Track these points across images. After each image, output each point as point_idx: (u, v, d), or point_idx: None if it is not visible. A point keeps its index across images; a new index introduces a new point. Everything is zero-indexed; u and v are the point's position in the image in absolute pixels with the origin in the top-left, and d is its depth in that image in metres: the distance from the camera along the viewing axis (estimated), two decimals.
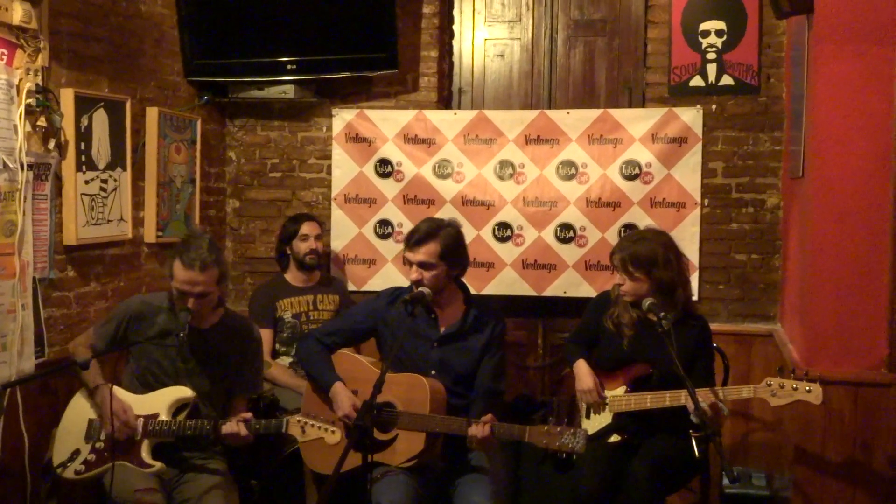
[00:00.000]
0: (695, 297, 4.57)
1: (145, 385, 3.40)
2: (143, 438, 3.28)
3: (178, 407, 3.35)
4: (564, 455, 2.96)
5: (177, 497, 3.30)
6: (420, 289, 3.34)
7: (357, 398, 3.36)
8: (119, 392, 3.35)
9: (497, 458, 3.40)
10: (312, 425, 3.19)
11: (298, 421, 3.20)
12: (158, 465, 3.26)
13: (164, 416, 3.31)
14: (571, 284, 4.86)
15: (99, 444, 3.32)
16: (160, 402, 3.34)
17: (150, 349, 3.40)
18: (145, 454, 3.27)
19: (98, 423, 3.35)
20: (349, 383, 3.44)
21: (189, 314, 3.31)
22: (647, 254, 3.47)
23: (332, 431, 3.17)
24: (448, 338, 3.45)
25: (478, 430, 3.10)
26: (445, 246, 3.38)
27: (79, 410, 3.41)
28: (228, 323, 3.55)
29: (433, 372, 3.40)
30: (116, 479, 3.16)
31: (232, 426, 3.24)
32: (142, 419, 3.30)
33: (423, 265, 3.36)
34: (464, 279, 3.61)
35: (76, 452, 3.32)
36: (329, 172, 5.17)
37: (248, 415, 3.33)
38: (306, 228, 4.65)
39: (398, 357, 3.41)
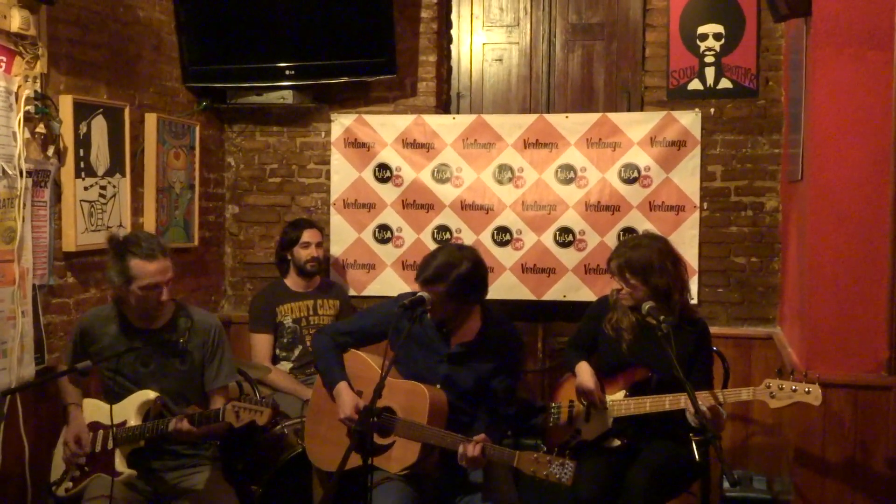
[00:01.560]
0: (694, 301, 4.58)
1: (112, 395, 3.37)
2: (115, 447, 3.26)
3: (147, 410, 3.32)
4: (551, 485, 2.94)
5: None
6: (420, 293, 3.31)
7: (361, 399, 3.36)
8: (93, 407, 3.35)
9: (503, 472, 3.37)
10: (245, 409, 3.17)
11: (233, 407, 3.19)
12: (128, 471, 3.23)
13: (133, 422, 3.28)
14: (571, 288, 4.86)
15: (81, 460, 3.31)
16: (128, 409, 3.31)
17: (109, 360, 3.35)
18: (118, 462, 3.25)
19: None
20: (355, 382, 3.42)
21: (190, 321, 3.30)
22: (642, 261, 3.47)
23: (260, 413, 3.17)
24: (457, 357, 3.39)
25: (468, 449, 3.09)
26: (452, 288, 3.27)
27: None
28: (181, 316, 3.48)
29: (438, 386, 3.37)
30: (91, 492, 3.16)
31: (175, 423, 3.19)
32: (113, 428, 3.27)
33: (430, 296, 3.30)
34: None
35: (66, 470, 3.33)
36: (328, 178, 5.17)
37: (192, 408, 3.29)
38: (307, 236, 4.64)
39: (406, 366, 3.40)
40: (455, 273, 3.26)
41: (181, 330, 3.41)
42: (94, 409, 3.38)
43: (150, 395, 3.32)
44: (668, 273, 3.48)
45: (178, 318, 3.44)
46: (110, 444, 3.27)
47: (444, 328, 3.43)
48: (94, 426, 3.33)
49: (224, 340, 3.54)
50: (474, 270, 3.32)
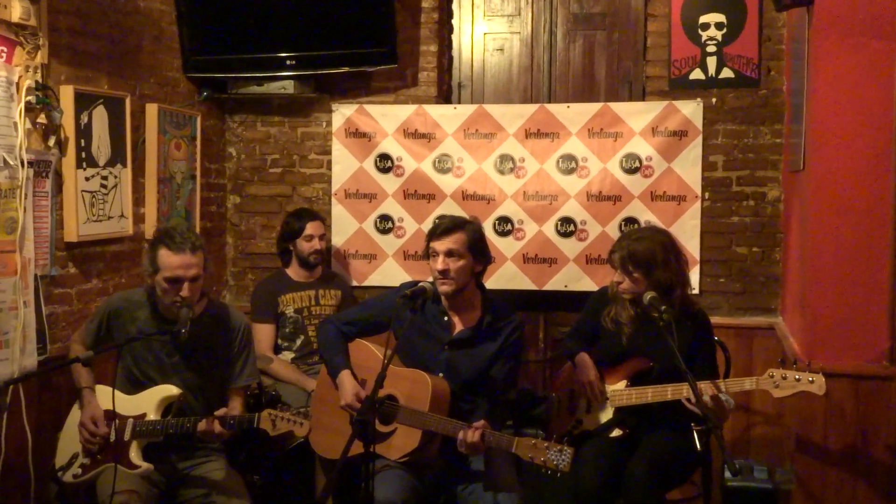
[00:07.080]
0: (696, 291, 4.59)
1: (135, 384, 3.38)
2: (132, 439, 3.26)
3: (167, 405, 3.33)
4: (548, 471, 2.95)
5: (180, 498, 3.30)
6: (422, 284, 3.34)
7: (364, 388, 3.37)
8: (108, 393, 3.34)
9: (504, 460, 3.38)
10: (283, 419, 3.20)
11: (269, 414, 3.21)
12: (145, 465, 3.23)
13: (152, 416, 3.29)
14: (572, 278, 4.87)
15: (98, 443, 3.30)
16: (148, 402, 3.32)
17: (135, 346, 3.37)
18: (134, 455, 3.25)
19: None
20: (359, 371, 3.44)
21: (190, 310, 3.29)
22: (645, 253, 3.45)
23: (301, 424, 3.20)
24: (458, 343, 3.41)
25: (468, 435, 3.10)
26: (472, 237, 3.37)
27: (79, 415, 3.38)
28: (212, 312, 3.51)
29: (441, 374, 3.38)
30: (106, 481, 3.14)
31: (205, 424, 3.22)
32: (131, 420, 3.28)
33: (450, 253, 3.32)
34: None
35: (75, 456, 3.32)
36: (329, 168, 5.17)
37: (223, 411, 3.30)
38: (311, 228, 4.63)
39: (408, 355, 3.41)
40: (470, 225, 3.40)
41: (209, 326, 3.43)
42: (107, 397, 3.32)
43: (174, 390, 3.33)
44: (671, 268, 3.46)
45: (207, 313, 3.47)
46: (127, 436, 3.27)
47: (446, 315, 3.44)
48: (109, 415, 3.31)
49: (251, 341, 3.60)
50: (482, 228, 3.49)
